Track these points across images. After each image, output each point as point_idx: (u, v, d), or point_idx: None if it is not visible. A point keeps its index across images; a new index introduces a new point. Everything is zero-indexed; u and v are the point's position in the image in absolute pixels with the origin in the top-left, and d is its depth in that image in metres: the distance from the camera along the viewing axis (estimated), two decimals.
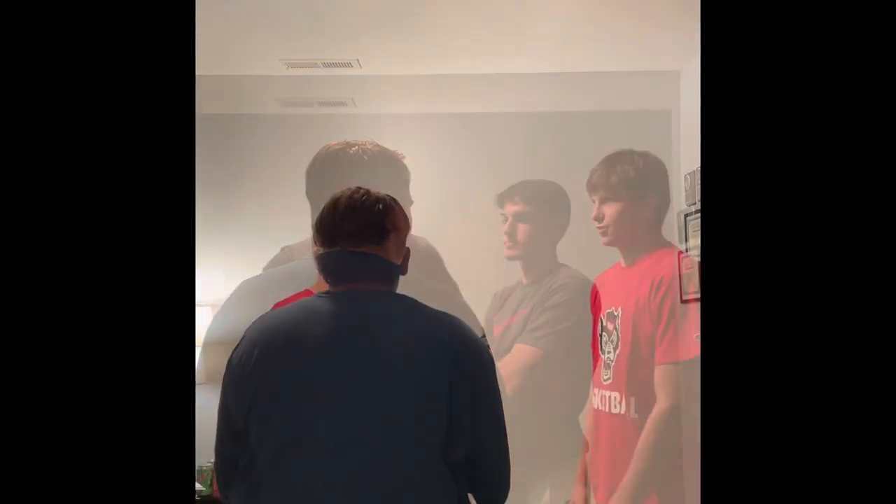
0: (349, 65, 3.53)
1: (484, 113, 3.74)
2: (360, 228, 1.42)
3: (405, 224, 1.50)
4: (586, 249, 3.41)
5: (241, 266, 3.62)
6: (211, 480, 3.31)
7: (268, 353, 1.34)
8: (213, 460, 3.30)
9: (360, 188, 1.47)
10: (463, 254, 1.61)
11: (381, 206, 1.43)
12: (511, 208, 2.07)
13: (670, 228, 3.67)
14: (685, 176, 3.64)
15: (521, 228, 2.05)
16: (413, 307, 1.43)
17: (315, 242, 1.48)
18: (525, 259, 2.08)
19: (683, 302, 3.58)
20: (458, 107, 3.71)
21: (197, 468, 3.36)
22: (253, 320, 1.48)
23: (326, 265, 1.43)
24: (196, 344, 3.34)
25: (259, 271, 3.49)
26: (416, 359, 1.35)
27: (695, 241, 3.52)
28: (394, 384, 1.34)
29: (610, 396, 2.30)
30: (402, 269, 1.47)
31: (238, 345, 1.41)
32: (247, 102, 3.71)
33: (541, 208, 2.06)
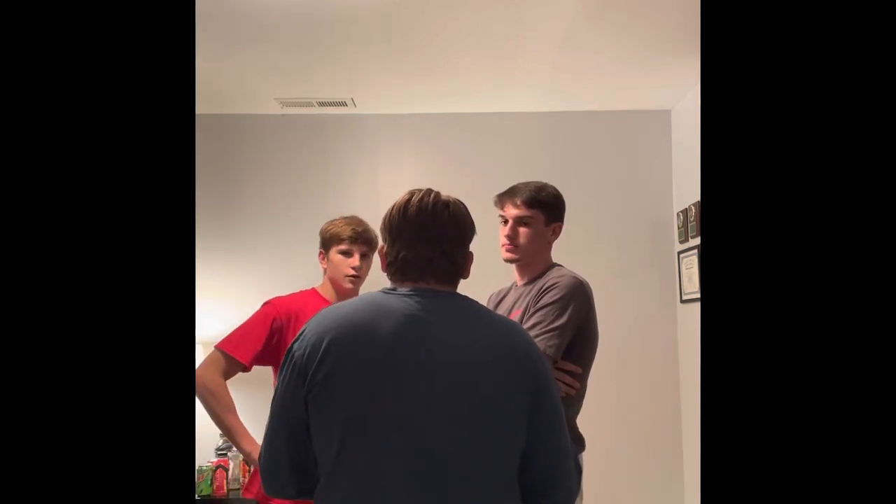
0: (343, 104, 3.57)
1: (483, 113, 3.74)
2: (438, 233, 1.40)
3: (473, 228, 1.48)
4: (579, 251, 3.41)
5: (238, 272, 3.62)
6: (211, 480, 3.28)
7: (341, 344, 1.31)
8: (212, 460, 3.27)
9: (430, 190, 1.44)
10: None
11: (451, 209, 1.42)
12: (512, 211, 2.03)
13: (668, 267, 3.67)
14: (677, 213, 3.67)
15: (523, 232, 2.02)
16: (479, 309, 1.42)
17: (383, 240, 1.45)
18: (523, 261, 2.05)
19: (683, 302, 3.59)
20: (457, 107, 3.71)
21: (197, 468, 3.33)
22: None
23: (400, 263, 1.40)
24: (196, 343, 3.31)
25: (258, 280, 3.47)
26: (495, 370, 1.32)
27: (688, 278, 3.53)
28: (473, 393, 1.31)
29: None
30: (465, 273, 1.46)
31: (300, 337, 1.36)
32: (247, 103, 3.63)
33: (541, 211, 2.02)
